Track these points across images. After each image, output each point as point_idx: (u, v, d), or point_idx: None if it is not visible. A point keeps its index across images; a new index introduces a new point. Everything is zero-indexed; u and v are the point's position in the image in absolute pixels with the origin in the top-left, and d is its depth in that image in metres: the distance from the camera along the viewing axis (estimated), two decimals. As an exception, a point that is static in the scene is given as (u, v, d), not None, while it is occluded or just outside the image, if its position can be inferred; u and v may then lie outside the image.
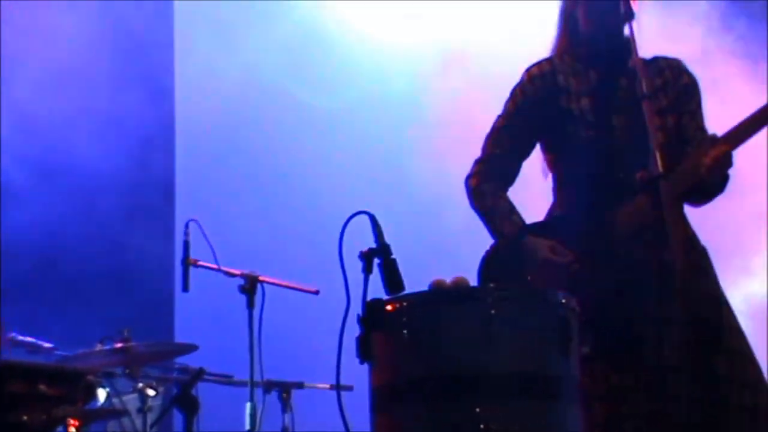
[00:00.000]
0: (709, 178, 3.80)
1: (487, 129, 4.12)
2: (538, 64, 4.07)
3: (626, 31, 3.78)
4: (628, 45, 3.77)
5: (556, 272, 3.83)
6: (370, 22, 7.13)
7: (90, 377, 4.22)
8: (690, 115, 4.01)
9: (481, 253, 4.01)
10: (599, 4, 3.93)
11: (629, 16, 3.77)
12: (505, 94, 4.10)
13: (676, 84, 4.03)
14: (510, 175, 4.09)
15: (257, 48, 6.97)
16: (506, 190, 4.07)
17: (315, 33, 7.15)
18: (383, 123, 7.04)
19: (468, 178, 4.09)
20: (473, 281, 3.76)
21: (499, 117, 4.10)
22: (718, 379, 3.75)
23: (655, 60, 4.05)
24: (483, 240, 4.04)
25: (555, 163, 4.08)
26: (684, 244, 3.86)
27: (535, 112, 4.05)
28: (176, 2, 7.01)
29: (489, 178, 4.06)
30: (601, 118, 3.95)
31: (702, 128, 4.00)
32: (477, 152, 4.12)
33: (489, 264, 3.98)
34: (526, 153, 4.10)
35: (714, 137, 3.82)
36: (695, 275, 3.86)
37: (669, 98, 3.99)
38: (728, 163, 3.80)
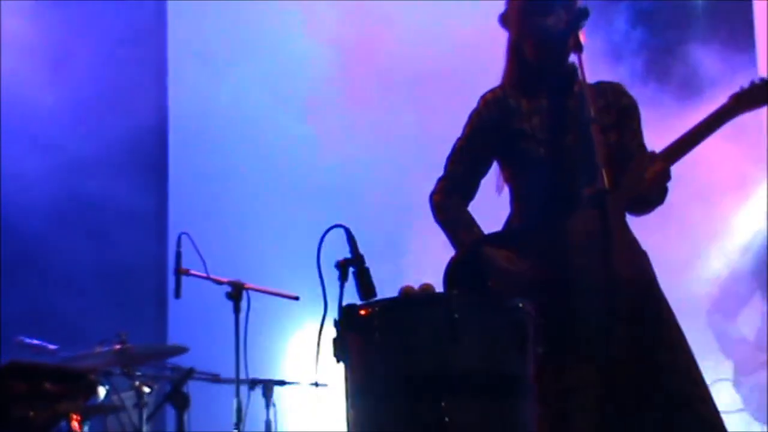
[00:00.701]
0: (649, 192, 3.86)
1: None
2: (492, 90, 4.07)
3: (572, 58, 3.81)
4: (573, 70, 3.79)
5: (512, 279, 3.82)
6: (343, 55, 7.15)
7: (90, 376, 4.24)
8: (631, 134, 4.01)
9: (445, 263, 4.04)
10: (551, 43, 3.94)
11: (579, 48, 3.81)
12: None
13: (617, 105, 4.03)
14: (470, 191, 4.09)
15: (243, 77, 6.99)
16: (467, 204, 4.07)
17: (295, 64, 7.17)
18: (357, 144, 7.06)
19: (432, 194, 4.10)
20: (439, 288, 3.75)
21: (458, 139, 4.10)
22: (661, 369, 3.76)
23: (599, 84, 4.05)
24: (447, 250, 4.08)
25: (511, 179, 4.07)
26: (628, 250, 3.91)
27: (491, 133, 4.05)
28: (169, 38, 7.01)
29: (451, 195, 4.06)
30: (551, 137, 3.95)
31: (642, 145, 4.01)
32: (440, 171, 4.16)
33: (453, 272, 3.94)
34: (483, 171, 4.10)
35: (653, 154, 3.85)
36: (639, 280, 3.89)
37: (611, 118, 3.98)
38: (666, 178, 3.85)
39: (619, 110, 4.03)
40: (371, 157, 6.91)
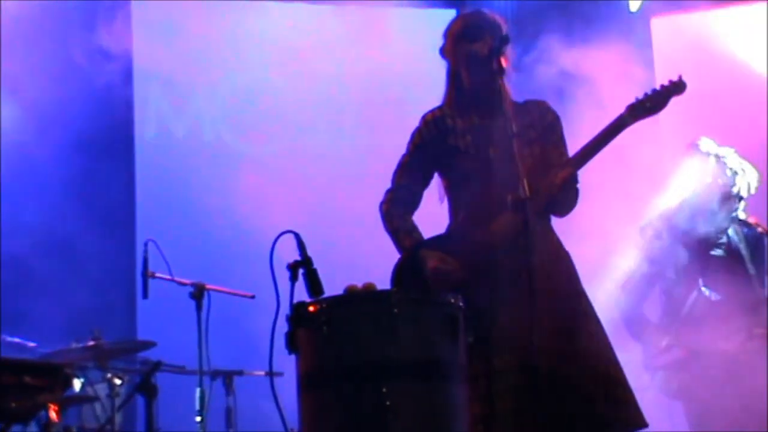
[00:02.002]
0: (560, 194, 3.89)
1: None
2: (432, 111, 4.11)
3: (499, 81, 3.82)
4: (501, 93, 3.81)
5: (444, 277, 3.84)
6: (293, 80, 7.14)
7: (67, 370, 4.18)
8: (553, 146, 4.03)
9: (390, 265, 4.06)
10: (477, 67, 3.96)
11: (501, 72, 3.84)
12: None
13: (541, 121, 4.05)
14: (413, 201, 4.11)
15: (203, 104, 6.94)
16: (411, 213, 4.09)
17: (250, 90, 7.13)
18: (309, 160, 7.06)
19: (381, 204, 4.12)
20: (382, 287, 3.74)
21: (403, 155, 4.14)
22: (577, 354, 3.78)
23: (526, 102, 4.08)
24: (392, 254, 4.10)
25: (448, 190, 4.10)
26: (548, 249, 3.93)
27: (431, 149, 4.08)
28: (135, 66, 6.93)
29: (397, 204, 4.08)
30: (481, 152, 3.98)
31: (564, 155, 4.03)
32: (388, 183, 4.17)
33: (399, 272, 3.99)
34: (425, 183, 4.14)
35: (562, 161, 3.92)
36: (559, 274, 3.92)
37: (536, 133, 4.01)
38: (574, 181, 3.92)
39: (543, 126, 4.06)
40: (324, 173, 6.92)
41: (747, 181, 5.16)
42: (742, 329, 4.97)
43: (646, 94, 3.89)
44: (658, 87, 3.92)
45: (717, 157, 5.16)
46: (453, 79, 4.10)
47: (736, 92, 6.89)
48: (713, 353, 4.98)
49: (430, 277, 3.85)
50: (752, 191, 5.18)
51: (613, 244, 5.45)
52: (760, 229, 5.12)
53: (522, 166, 3.63)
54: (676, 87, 3.89)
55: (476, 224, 3.95)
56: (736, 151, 5.23)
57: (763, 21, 6.93)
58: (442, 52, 4.12)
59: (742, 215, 5.18)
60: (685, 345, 5.07)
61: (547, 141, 4.02)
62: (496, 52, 3.82)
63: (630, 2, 7.09)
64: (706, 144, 5.20)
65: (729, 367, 4.94)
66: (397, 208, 4.07)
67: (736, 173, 5.15)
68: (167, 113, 6.95)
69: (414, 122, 4.15)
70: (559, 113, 4.14)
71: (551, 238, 4.01)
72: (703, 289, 5.15)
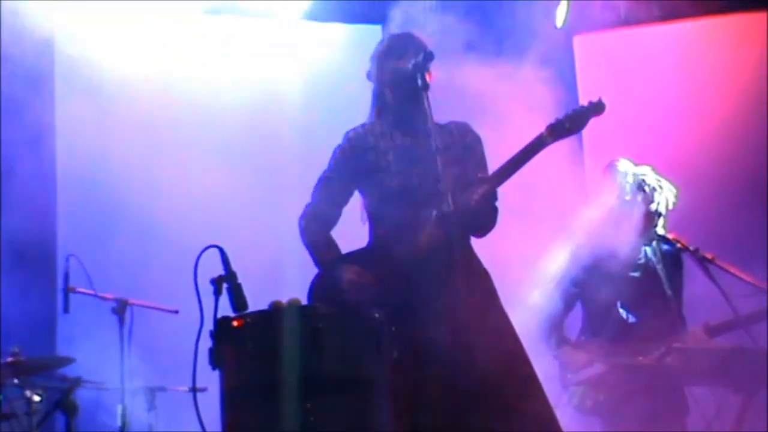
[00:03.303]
0: (477, 211, 3.91)
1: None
2: (354, 129, 4.13)
3: (423, 98, 3.86)
4: (425, 111, 3.85)
5: (361, 291, 3.85)
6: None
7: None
8: (474, 165, 4.06)
9: (310, 279, 4.06)
10: (402, 83, 3.99)
11: (425, 87, 3.87)
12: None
13: (462, 142, 4.09)
14: (332, 217, 4.11)
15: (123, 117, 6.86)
16: (329, 229, 4.09)
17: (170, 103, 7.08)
18: (232, 171, 7.03)
19: (300, 218, 4.12)
20: (304, 301, 3.78)
21: (324, 172, 4.14)
22: (497, 370, 3.77)
23: (448, 124, 4.12)
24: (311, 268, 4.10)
25: (369, 208, 4.11)
26: (470, 266, 3.97)
27: (351, 166, 4.09)
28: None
29: (315, 220, 4.09)
30: (403, 169, 4.01)
31: (484, 174, 4.07)
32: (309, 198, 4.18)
33: (316, 287, 4.00)
34: (345, 200, 4.14)
35: (481, 178, 3.96)
36: (480, 291, 3.95)
37: (457, 153, 4.04)
38: (492, 198, 3.95)
39: (463, 146, 4.10)
40: (248, 187, 6.90)
41: (665, 197, 5.28)
42: (660, 346, 5.07)
43: (566, 114, 3.94)
44: (578, 107, 3.99)
45: (634, 176, 5.28)
46: (378, 98, 4.14)
47: (653, 109, 7.04)
48: (632, 367, 5.07)
49: (346, 291, 3.86)
50: (671, 207, 5.30)
51: (533, 267, 5.50)
52: (680, 245, 5.22)
53: (445, 183, 3.66)
54: (596, 108, 3.96)
55: (397, 240, 3.96)
56: (653, 169, 5.34)
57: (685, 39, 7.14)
58: (369, 74, 4.15)
59: (661, 231, 5.29)
60: (605, 360, 5.15)
61: (468, 162, 4.06)
62: (421, 67, 3.87)
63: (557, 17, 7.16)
64: (624, 164, 5.31)
65: (648, 380, 5.04)
66: (316, 223, 4.08)
67: (654, 190, 5.26)
68: (88, 124, 6.86)
69: (340, 132, 4.16)
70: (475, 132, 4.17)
71: (472, 256, 4.05)
72: (620, 311, 5.25)
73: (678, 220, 5.46)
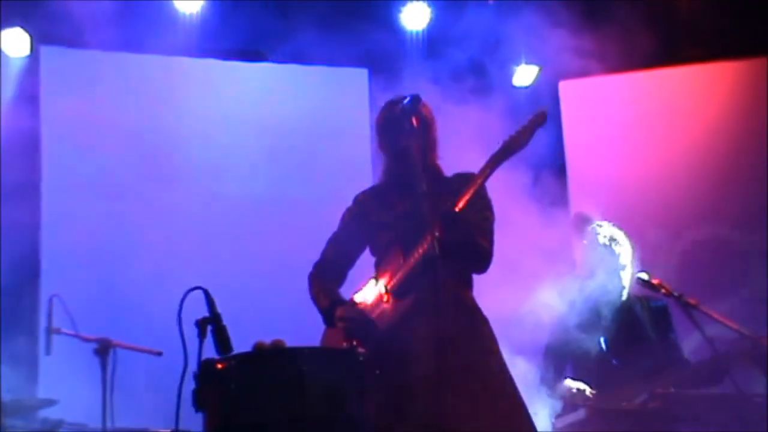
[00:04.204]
0: (445, 238, 3.81)
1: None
2: (363, 191, 4.33)
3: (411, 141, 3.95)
4: (415, 166, 3.90)
5: (359, 324, 3.96)
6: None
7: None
8: (476, 211, 4.07)
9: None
10: (392, 129, 4.10)
11: (412, 131, 3.96)
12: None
13: (460, 186, 4.05)
14: (339, 273, 4.30)
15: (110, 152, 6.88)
16: (334, 282, 4.26)
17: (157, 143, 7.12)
18: (220, 210, 7.06)
19: (309, 275, 4.29)
20: (291, 343, 3.75)
21: (334, 232, 4.32)
22: (491, 420, 3.80)
23: (454, 175, 4.21)
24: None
25: (376, 263, 4.24)
26: (461, 307, 4.01)
27: (357, 225, 4.27)
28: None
29: (322, 276, 4.26)
30: (399, 224, 4.12)
31: (487, 218, 4.14)
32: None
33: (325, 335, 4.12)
34: (352, 259, 4.32)
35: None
36: (473, 339, 3.99)
37: (452, 197, 4.01)
38: (457, 221, 3.88)
39: (452, 191, 4.11)
40: (236, 225, 6.92)
41: (624, 249, 5.40)
42: (644, 391, 5.09)
43: (515, 131, 3.99)
44: (525, 122, 4.03)
45: (593, 230, 5.47)
46: (385, 168, 4.29)
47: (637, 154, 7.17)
48: (615, 412, 5.10)
49: (343, 323, 3.96)
50: (631, 259, 5.41)
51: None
52: (663, 291, 5.26)
53: (432, 230, 3.69)
54: (538, 118, 4.01)
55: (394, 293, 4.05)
56: (612, 224, 5.52)
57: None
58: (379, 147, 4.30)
59: (644, 276, 5.33)
60: (590, 405, 5.18)
61: (473, 208, 4.03)
62: (408, 111, 3.96)
63: (516, 74, 7.38)
64: (583, 219, 5.50)
65: (631, 425, 5.05)
66: (323, 279, 4.25)
67: (614, 240, 5.38)
68: (74, 161, 6.87)
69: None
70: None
71: (467, 300, 4.09)
72: (605, 356, 5.32)
73: (653, 260, 5.56)
